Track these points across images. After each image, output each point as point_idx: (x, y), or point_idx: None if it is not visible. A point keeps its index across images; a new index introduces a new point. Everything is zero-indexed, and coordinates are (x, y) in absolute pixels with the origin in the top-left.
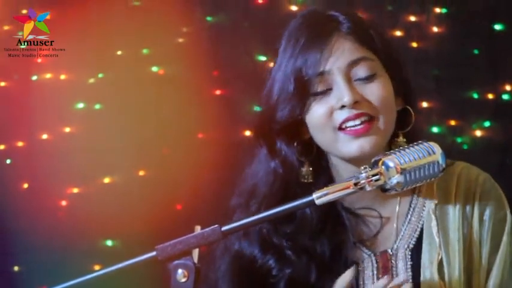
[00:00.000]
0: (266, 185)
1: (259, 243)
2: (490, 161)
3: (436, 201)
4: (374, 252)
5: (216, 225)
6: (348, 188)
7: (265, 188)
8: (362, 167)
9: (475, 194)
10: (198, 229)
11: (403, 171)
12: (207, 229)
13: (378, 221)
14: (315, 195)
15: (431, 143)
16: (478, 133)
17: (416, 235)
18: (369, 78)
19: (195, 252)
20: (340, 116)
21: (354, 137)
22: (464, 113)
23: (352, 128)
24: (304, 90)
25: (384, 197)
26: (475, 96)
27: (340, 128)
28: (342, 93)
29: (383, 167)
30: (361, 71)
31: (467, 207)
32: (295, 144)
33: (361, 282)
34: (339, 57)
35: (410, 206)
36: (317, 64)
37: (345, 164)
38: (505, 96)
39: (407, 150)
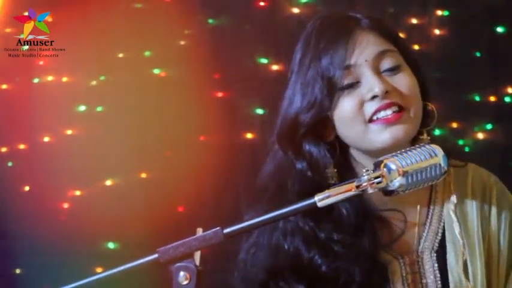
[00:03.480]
0: (295, 190)
1: (303, 239)
2: (491, 163)
3: (456, 202)
4: (401, 255)
5: (218, 228)
6: (349, 190)
7: (294, 194)
8: (364, 170)
9: (491, 194)
10: (199, 231)
11: (405, 174)
12: (208, 231)
13: (402, 224)
14: (316, 198)
15: (433, 146)
16: (480, 136)
17: (439, 237)
18: (396, 69)
19: (197, 255)
20: (371, 107)
21: (385, 125)
22: (466, 115)
23: (384, 117)
24: (332, 87)
25: (404, 201)
26: (477, 98)
27: (371, 120)
28: (372, 84)
29: (385, 169)
30: (387, 63)
31: (485, 207)
32: (322, 144)
33: (391, 285)
34: (365, 49)
35: (429, 208)
36: (343, 59)
37: (371, 160)
38: (507, 99)
39: (409, 152)
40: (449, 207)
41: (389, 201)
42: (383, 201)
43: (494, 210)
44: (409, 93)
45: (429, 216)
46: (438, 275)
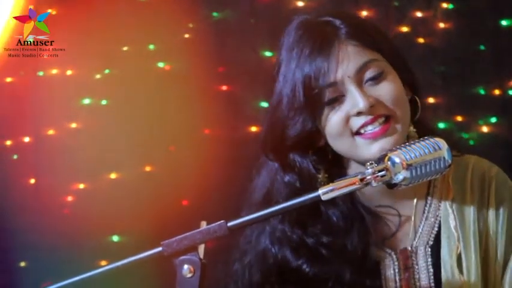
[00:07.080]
0: (283, 198)
1: (291, 247)
2: (496, 156)
3: (453, 196)
4: (394, 251)
5: (222, 221)
6: (354, 183)
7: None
8: (368, 163)
9: (490, 187)
10: (204, 225)
11: (409, 167)
12: (213, 225)
13: (396, 220)
14: (320, 191)
15: (437, 139)
16: (485, 129)
17: (434, 231)
18: (378, 77)
19: (201, 248)
20: (358, 122)
21: (372, 139)
22: (471, 108)
23: (370, 131)
24: (316, 101)
25: (401, 196)
26: (482, 92)
27: (358, 133)
28: (356, 100)
29: (389, 162)
30: (369, 72)
31: (483, 201)
32: (310, 153)
33: (383, 281)
34: (346, 64)
35: (426, 202)
36: (326, 74)
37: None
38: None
39: (413, 145)
40: (446, 202)
41: (385, 196)
42: (377, 197)
43: (492, 203)
44: (394, 100)
45: (426, 211)
46: (431, 270)
